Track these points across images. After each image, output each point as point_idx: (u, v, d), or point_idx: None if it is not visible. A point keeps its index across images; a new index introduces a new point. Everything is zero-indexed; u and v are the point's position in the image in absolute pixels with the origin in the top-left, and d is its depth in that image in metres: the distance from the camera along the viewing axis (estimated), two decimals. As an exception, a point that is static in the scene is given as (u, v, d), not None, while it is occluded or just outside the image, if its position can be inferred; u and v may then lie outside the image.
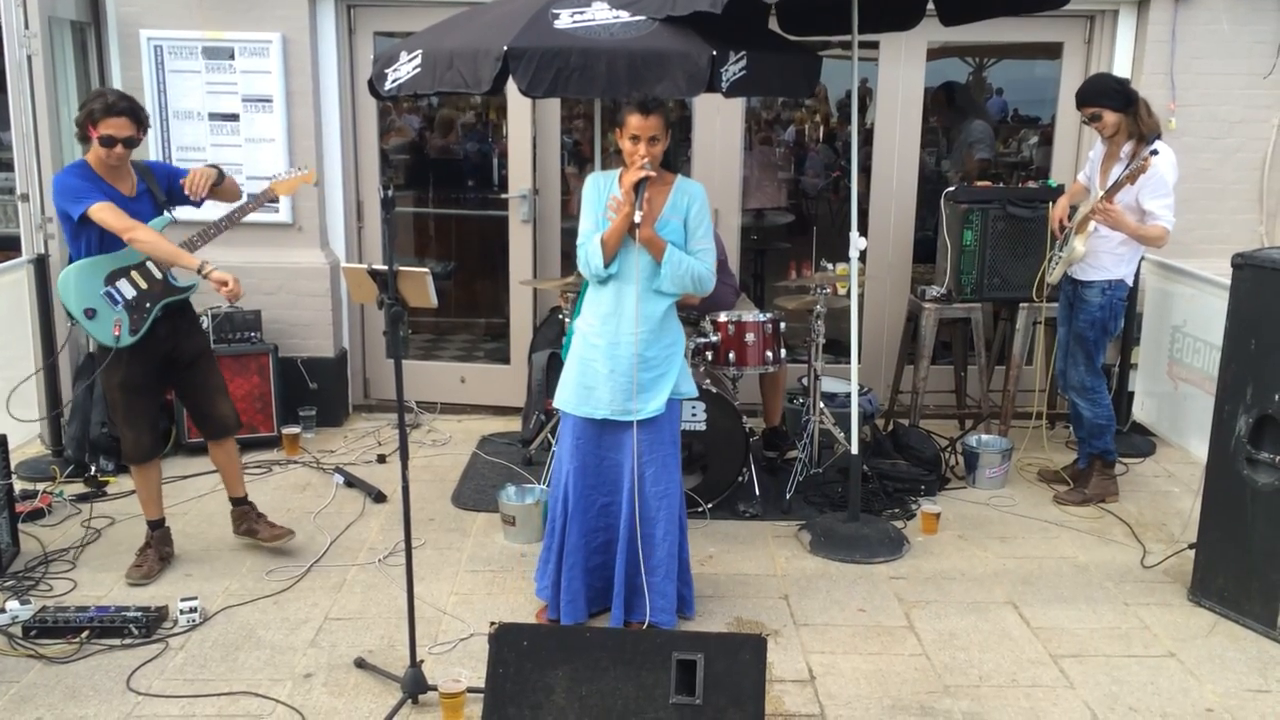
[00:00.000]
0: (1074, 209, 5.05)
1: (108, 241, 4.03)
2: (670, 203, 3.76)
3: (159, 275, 4.14)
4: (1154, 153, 4.53)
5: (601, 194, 3.77)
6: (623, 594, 3.84)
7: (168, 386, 4.41)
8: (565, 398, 3.84)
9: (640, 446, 3.77)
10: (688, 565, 4.02)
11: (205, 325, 5.27)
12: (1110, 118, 4.75)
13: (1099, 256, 4.84)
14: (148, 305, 4.11)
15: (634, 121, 3.64)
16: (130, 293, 4.09)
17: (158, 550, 4.37)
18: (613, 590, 3.89)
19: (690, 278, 3.73)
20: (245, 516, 4.54)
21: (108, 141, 3.94)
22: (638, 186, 3.59)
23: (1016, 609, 4.11)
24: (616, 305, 3.74)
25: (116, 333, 4.05)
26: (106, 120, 3.93)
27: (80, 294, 4.02)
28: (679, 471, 3.90)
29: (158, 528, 4.40)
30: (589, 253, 3.72)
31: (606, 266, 3.70)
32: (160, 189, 4.18)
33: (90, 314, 4.03)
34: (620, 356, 3.74)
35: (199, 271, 3.97)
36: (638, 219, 3.59)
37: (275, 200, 4.16)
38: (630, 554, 3.83)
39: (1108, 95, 4.73)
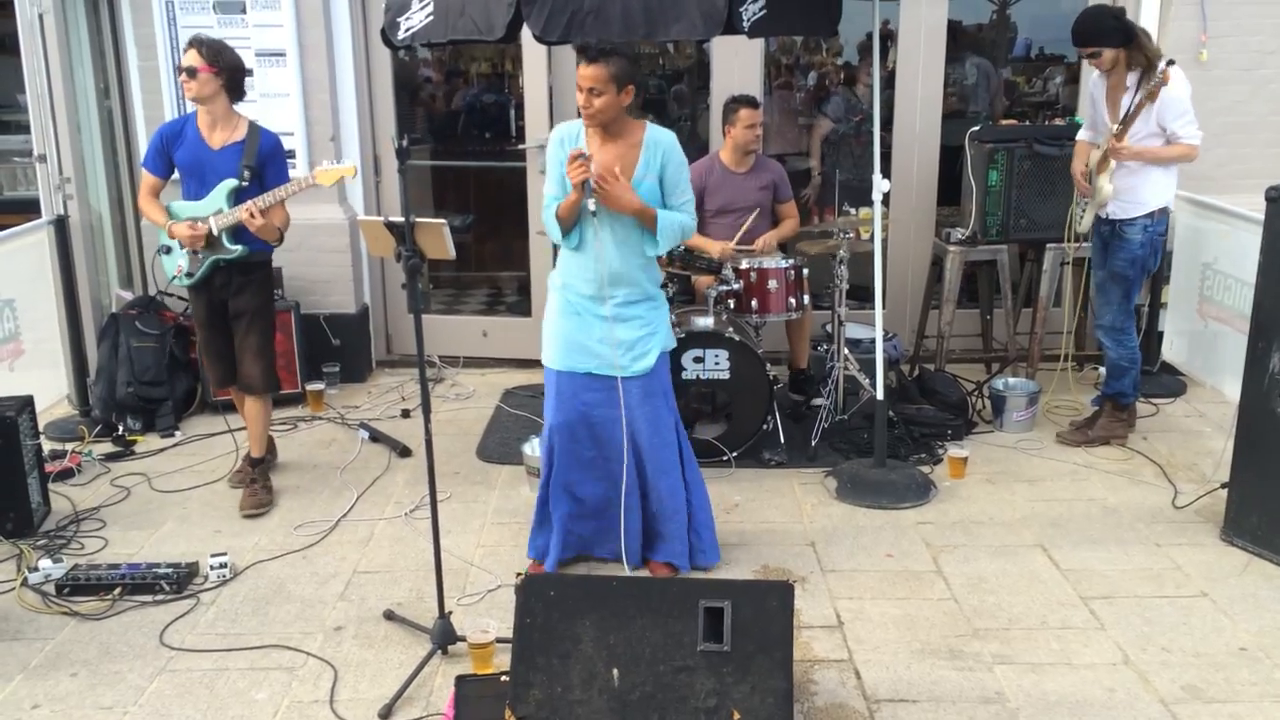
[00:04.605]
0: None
1: (192, 190, 4.37)
2: (643, 161, 3.62)
3: (215, 233, 4.32)
4: (1170, 62, 4.36)
5: (566, 149, 3.61)
6: (638, 547, 3.85)
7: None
8: (549, 354, 3.79)
9: (631, 401, 3.72)
10: (705, 509, 3.98)
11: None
12: (1109, 54, 4.59)
13: (1135, 191, 4.68)
14: (200, 256, 4.40)
15: (579, 70, 3.52)
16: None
17: (263, 482, 4.63)
18: (598, 541, 3.92)
19: (680, 232, 3.68)
20: (241, 478, 4.68)
21: (180, 71, 4.29)
22: (584, 185, 3.48)
23: (1046, 552, 4.08)
24: (595, 264, 3.65)
25: (177, 273, 4.45)
26: (184, 53, 4.28)
27: (164, 232, 4.40)
28: (674, 418, 3.86)
29: (257, 464, 4.66)
30: (546, 222, 3.66)
31: (566, 237, 3.64)
32: (255, 159, 4.32)
33: (165, 251, 4.46)
34: (606, 315, 3.68)
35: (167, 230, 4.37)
36: (592, 207, 3.48)
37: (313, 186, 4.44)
38: (642, 506, 3.84)
39: (1106, 34, 4.55)
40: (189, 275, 4.42)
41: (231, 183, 4.29)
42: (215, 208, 4.31)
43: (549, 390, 3.84)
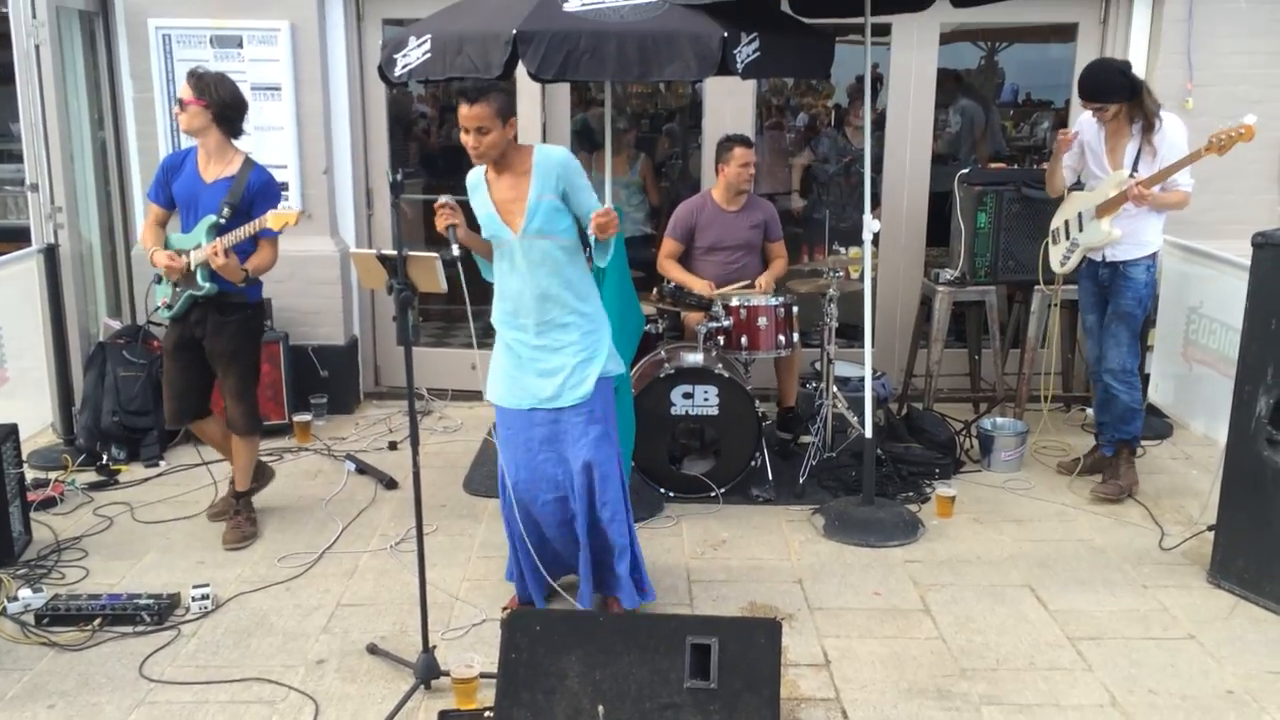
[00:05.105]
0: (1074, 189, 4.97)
1: (186, 223, 4.34)
2: (536, 185, 3.57)
3: (191, 268, 4.27)
4: (1249, 120, 4.34)
5: (479, 193, 3.67)
6: (589, 577, 3.78)
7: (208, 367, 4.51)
8: (496, 391, 3.77)
9: (574, 431, 3.67)
10: (637, 545, 3.88)
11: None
12: (1116, 107, 4.62)
13: (1138, 233, 4.69)
14: (178, 290, 4.35)
15: (461, 111, 3.50)
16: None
17: (247, 514, 4.59)
18: (564, 563, 3.88)
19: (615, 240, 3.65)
20: (224, 511, 4.64)
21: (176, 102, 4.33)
22: (450, 229, 3.52)
23: (1033, 592, 4.07)
24: (521, 295, 3.66)
25: (161, 304, 4.40)
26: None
27: None
28: (615, 449, 3.78)
29: (240, 497, 4.61)
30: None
31: (489, 268, 3.75)
32: (240, 196, 4.24)
33: (158, 280, 4.41)
34: (537, 344, 3.69)
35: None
36: (456, 252, 3.51)
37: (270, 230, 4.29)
38: (591, 538, 3.77)
39: (1116, 90, 4.57)
40: (168, 308, 4.37)
41: (210, 218, 4.22)
42: (195, 242, 4.25)
43: (500, 428, 3.82)
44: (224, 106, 4.24)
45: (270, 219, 4.12)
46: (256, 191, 4.28)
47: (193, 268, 4.26)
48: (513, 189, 3.60)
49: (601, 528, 3.77)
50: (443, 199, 3.53)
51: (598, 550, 3.80)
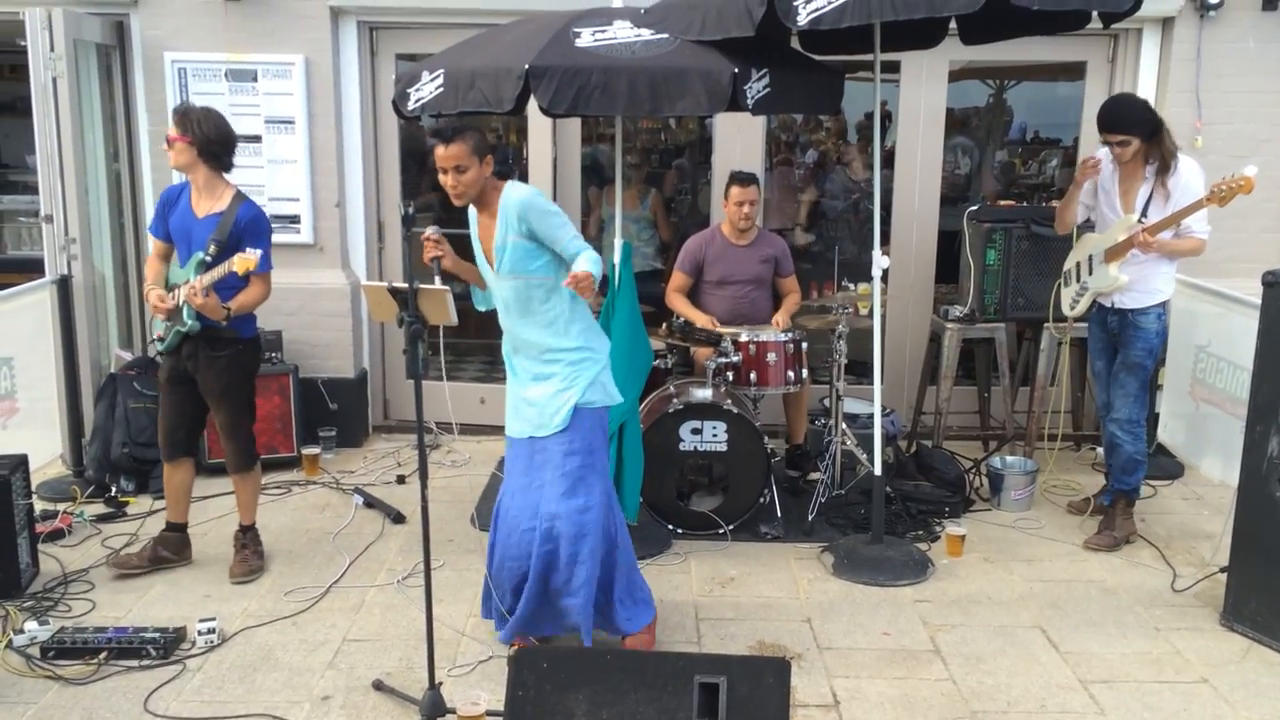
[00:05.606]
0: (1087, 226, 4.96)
1: (182, 257, 4.30)
2: (500, 226, 3.58)
3: (180, 303, 4.24)
4: (1250, 170, 4.31)
5: (473, 225, 3.75)
6: (533, 615, 3.73)
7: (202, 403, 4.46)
8: (506, 420, 3.84)
9: (554, 462, 3.66)
10: (631, 577, 3.82)
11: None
12: (1135, 144, 4.55)
13: (1148, 280, 4.62)
14: (167, 324, 4.33)
15: (438, 152, 3.53)
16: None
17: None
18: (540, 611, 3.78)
19: (597, 264, 3.50)
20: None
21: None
22: (435, 261, 3.59)
23: (1044, 633, 4.04)
24: (508, 326, 3.74)
25: (157, 336, 4.40)
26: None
27: None
28: (600, 483, 3.70)
29: (170, 529, 4.55)
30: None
31: (484, 299, 3.83)
32: (227, 232, 4.20)
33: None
34: (527, 371, 3.73)
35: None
36: (438, 283, 3.50)
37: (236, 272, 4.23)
38: (543, 575, 3.69)
39: (1138, 124, 4.51)
40: (161, 340, 4.36)
41: (199, 255, 4.18)
42: (185, 278, 4.21)
43: (506, 457, 3.89)
44: (208, 142, 4.21)
45: (236, 263, 4.07)
46: (244, 227, 4.22)
47: (180, 303, 4.23)
48: (489, 226, 3.65)
49: (566, 566, 3.66)
50: (429, 230, 3.58)
51: (551, 590, 3.73)
